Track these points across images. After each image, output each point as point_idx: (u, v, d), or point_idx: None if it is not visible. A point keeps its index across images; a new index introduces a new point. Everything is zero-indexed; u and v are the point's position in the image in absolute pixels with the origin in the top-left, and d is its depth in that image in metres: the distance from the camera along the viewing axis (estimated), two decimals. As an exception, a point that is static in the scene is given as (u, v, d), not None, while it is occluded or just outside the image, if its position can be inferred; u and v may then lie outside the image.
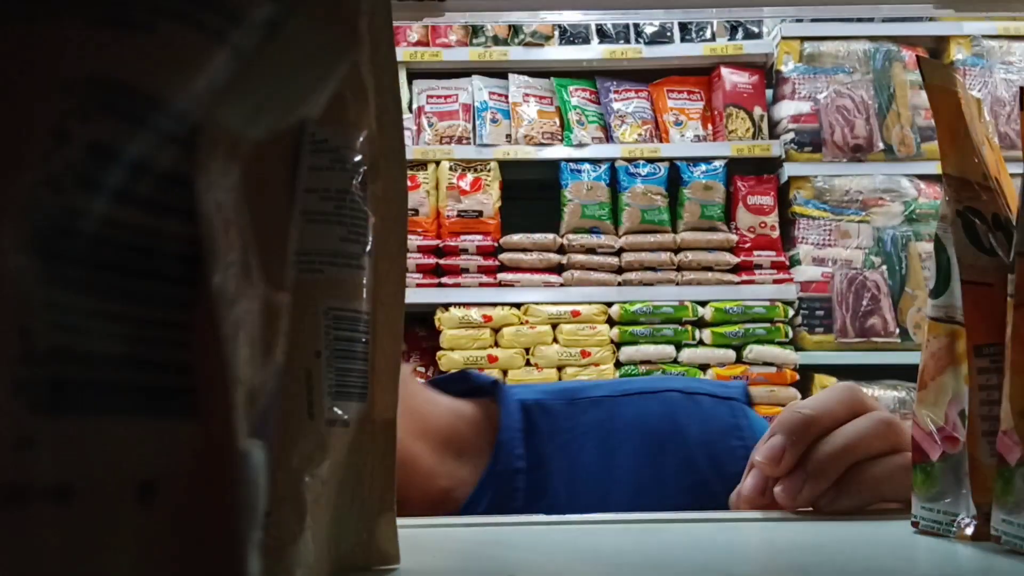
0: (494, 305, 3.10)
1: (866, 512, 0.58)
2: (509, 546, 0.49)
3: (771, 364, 3.08)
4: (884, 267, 3.14)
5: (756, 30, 3.31)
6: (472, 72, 3.34)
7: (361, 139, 0.36)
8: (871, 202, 3.17)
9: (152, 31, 0.23)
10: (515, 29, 3.30)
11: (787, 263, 3.18)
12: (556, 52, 3.31)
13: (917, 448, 0.48)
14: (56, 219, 0.21)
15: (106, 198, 0.22)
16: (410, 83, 3.32)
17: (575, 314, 3.09)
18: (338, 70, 0.31)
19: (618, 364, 3.10)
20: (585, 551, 0.47)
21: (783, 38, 3.25)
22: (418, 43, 3.30)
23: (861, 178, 3.18)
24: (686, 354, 3.09)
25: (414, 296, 2.95)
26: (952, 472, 0.47)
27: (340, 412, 0.35)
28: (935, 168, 3.02)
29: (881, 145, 3.18)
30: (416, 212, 3.15)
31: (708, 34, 3.31)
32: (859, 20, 3.16)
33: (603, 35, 3.32)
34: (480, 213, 3.18)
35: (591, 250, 3.16)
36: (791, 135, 3.19)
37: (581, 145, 3.25)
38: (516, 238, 3.15)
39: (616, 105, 3.33)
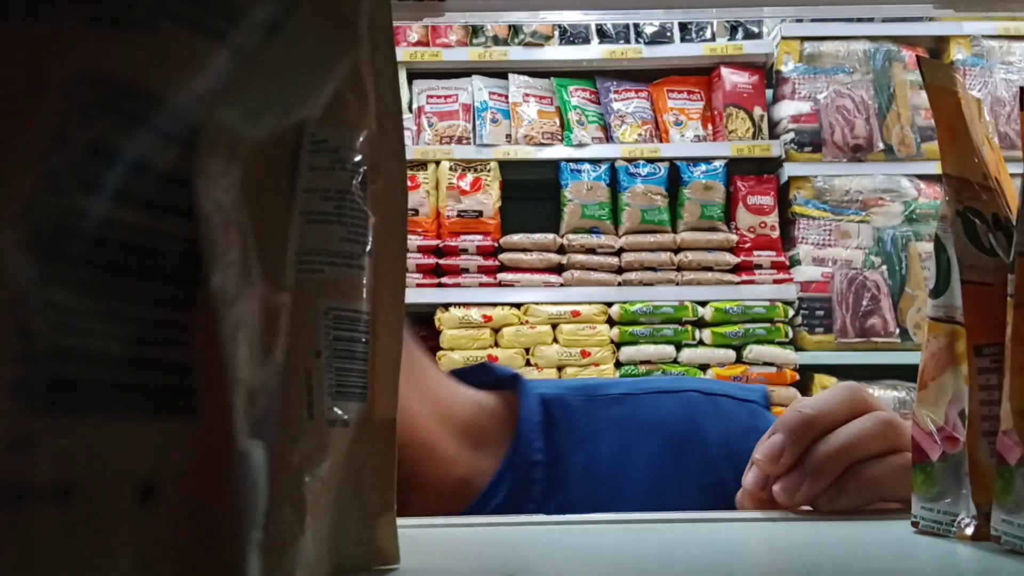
0: (494, 305, 3.10)
1: (866, 512, 0.58)
2: (509, 546, 0.49)
3: (771, 364, 3.08)
4: (884, 267, 3.14)
5: (756, 30, 3.31)
6: (472, 72, 3.34)
7: (361, 139, 0.36)
8: (871, 202, 3.17)
9: (152, 31, 0.23)
10: (515, 29, 3.30)
11: (787, 263, 3.18)
12: (556, 52, 3.31)
13: (917, 448, 0.48)
14: (56, 219, 0.21)
15: (106, 198, 0.22)
16: (410, 83, 3.32)
17: (575, 314, 3.09)
18: (338, 70, 0.31)
19: (618, 364, 3.11)
20: (585, 551, 0.47)
21: (783, 38, 3.25)
22: (418, 43, 3.30)
23: (861, 178, 3.18)
24: (686, 354, 3.09)
25: (414, 296, 2.95)
26: (952, 472, 0.47)
27: (340, 412, 0.35)
28: (935, 168, 3.02)
29: (881, 145, 3.18)
30: (416, 212, 3.15)
31: (708, 34, 3.31)
32: (859, 20, 3.16)
33: (603, 35, 3.32)
34: (480, 213, 3.18)
35: (591, 250, 3.16)
36: (791, 135, 3.19)
37: (581, 145, 3.25)
38: (516, 238, 3.15)
39: (616, 105, 3.33)
